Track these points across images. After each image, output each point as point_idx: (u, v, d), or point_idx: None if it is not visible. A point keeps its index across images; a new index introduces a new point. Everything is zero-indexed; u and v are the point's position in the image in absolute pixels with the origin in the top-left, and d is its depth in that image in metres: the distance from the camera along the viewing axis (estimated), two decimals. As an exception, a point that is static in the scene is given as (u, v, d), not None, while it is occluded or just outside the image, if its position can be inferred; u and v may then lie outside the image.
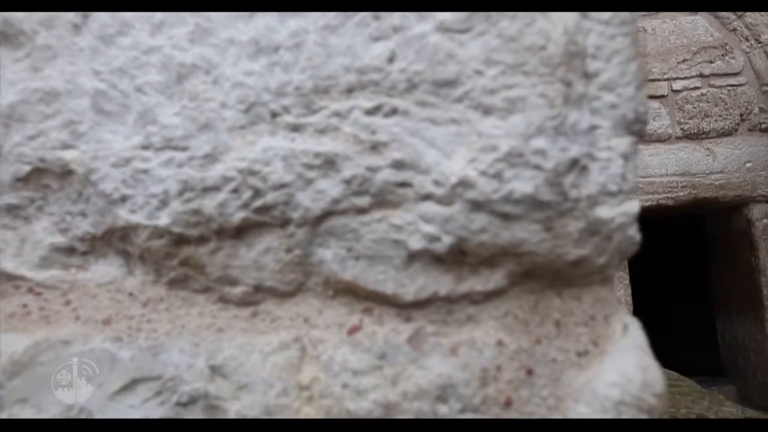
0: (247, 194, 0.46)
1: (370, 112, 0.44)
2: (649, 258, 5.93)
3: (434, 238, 0.43)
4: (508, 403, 0.45)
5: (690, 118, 3.93)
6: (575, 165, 0.41)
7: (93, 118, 0.49)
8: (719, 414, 1.75)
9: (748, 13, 3.86)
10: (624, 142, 0.45)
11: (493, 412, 0.45)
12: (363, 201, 0.44)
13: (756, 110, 3.85)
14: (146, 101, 0.49)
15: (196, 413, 0.48)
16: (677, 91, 3.96)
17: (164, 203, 0.48)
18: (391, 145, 0.43)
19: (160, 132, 0.48)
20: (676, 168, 3.93)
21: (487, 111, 0.41)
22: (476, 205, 0.41)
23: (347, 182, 0.44)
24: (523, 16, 0.42)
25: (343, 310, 0.48)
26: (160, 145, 0.48)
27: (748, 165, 3.85)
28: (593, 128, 0.43)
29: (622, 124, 0.45)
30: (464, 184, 0.41)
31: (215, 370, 0.48)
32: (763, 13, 3.83)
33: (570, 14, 0.42)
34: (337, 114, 0.44)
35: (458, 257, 0.43)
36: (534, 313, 0.45)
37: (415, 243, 0.43)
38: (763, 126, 3.84)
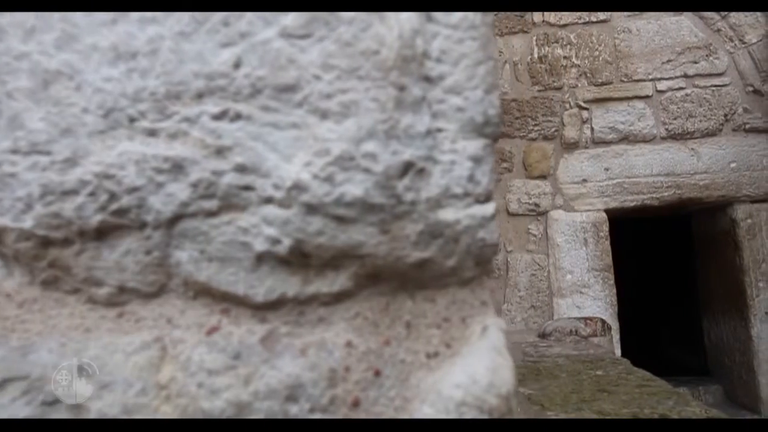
0: (103, 197, 0.47)
1: (217, 117, 0.44)
2: (639, 258, 5.94)
3: (275, 241, 0.43)
4: (355, 404, 0.45)
5: (675, 119, 3.93)
6: (410, 168, 0.42)
7: (-39, 123, 0.50)
8: (682, 414, 1.75)
9: (732, 14, 3.86)
10: (473, 145, 0.46)
11: (342, 413, 0.45)
12: (211, 204, 0.45)
13: (740, 110, 3.85)
14: (15, 106, 0.50)
15: (60, 412, 0.49)
16: (662, 92, 3.96)
17: (29, 206, 0.48)
18: (235, 149, 0.44)
19: (27, 137, 0.49)
20: (661, 168, 3.93)
21: (324, 115, 0.42)
22: (311, 208, 0.42)
23: (194, 186, 0.44)
24: (359, 22, 0.42)
25: (204, 311, 0.48)
26: (27, 149, 0.49)
27: (733, 165, 3.85)
28: (436, 131, 0.44)
29: (470, 127, 0.45)
30: (298, 187, 0.42)
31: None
32: (746, 13, 3.82)
33: (408, 19, 0.43)
34: (187, 119, 0.45)
35: (302, 259, 0.44)
36: (384, 314, 0.46)
37: (260, 245, 0.44)
38: (747, 126, 3.83)
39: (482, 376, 0.45)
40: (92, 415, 0.48)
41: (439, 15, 0.45)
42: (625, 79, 4.00)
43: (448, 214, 0.44)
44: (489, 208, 0.48)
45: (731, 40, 3.88)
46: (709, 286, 4.23)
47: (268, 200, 0.43)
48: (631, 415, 1.76)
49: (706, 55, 3.91)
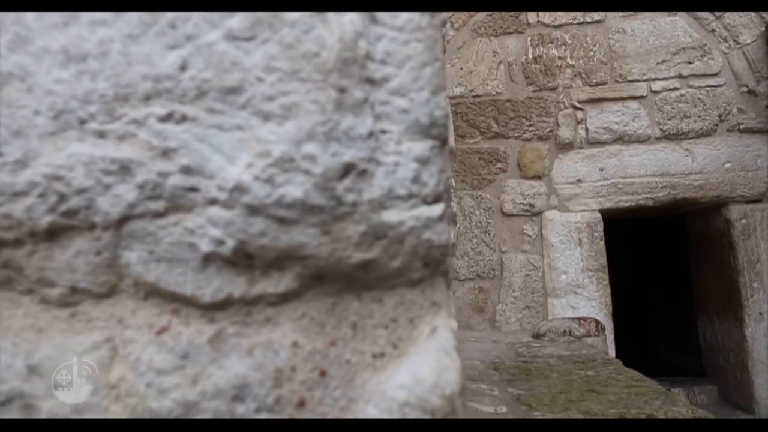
0: (52, 199, 0.47)
1: (164, 119, 0.45)
2: (635, 258, 5.94)
3: (220, 242, 0.44)
4: (301, 404, 0.46)
5: (669, 119, 3.93)
6: (351, 170, 0.42)
7: None
8: (668, 414, 1.76)
9: (726, 14, 3.86)
10: (419, 147, 0.46)
11: (287, 413, 0.46)
12: (158, 205, 0.45)
13: (734, 111, 3.85)
14: (-30, 108, 0.50)
15: (12, 412, 0.49)
16: (656, 92, 3.96)
17: (-19, 207, 0.49)
18: (180, 151, 0.44)
19: (-20, 138, 0.49)
20: (656, 169, 3.93)
21: (267, 117, 0.42)
22: (253, 210, 0.42)
23: (141, 187, 0.45)
24: (302, 24, 0.43)
25: (155, 311, 0.49)
26: (-19, 150, 0.49)
27: (727, 165, 3.85)
28: (380, 133, 0.44)
29: (415, 129, 0.46)
30: (240, 188, 0.42)
31: (32, 370, 0.49)
32: (741, 13, 3.82)
33: (351, 21, 0.43)
34: (135, 121, 0.45)
35: (247, 260, 0.44)
36: (331, 315, 0.46)
37: (205, 246, 0.44)
38: (742, 127, 3.83)
39: (427, 377, 0.46)
40: (43, 415, 0.48)
41: (384, 17, 0.45)
42: (620, 80, 4.00)
43: (391, 216, 0.44)
44: (436, 210, 0.48)
45: (726, 40, 3.88)
46: (704, 286, 4.23)
47: (213, 201, 0.44)
48: (618, 416, 1.76)
49: (701, 56, 3.91)
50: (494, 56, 4.14)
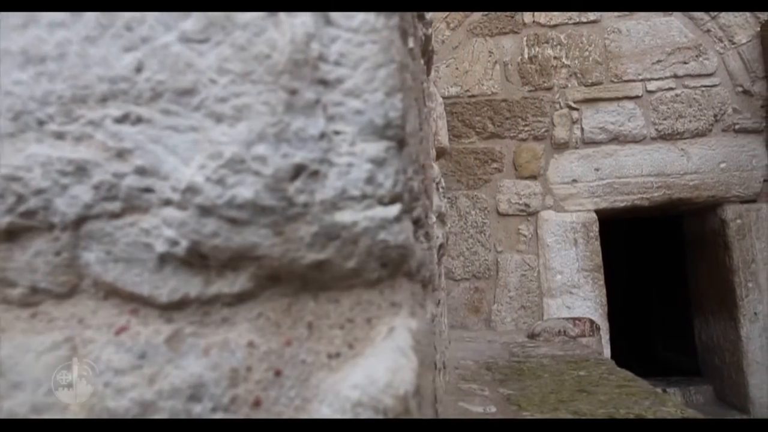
0: (11, 199, 0.47)
1: (119, 120, 0.45)
2: (632, 258, 5.93)
3: (174, 242, 0.44)
4: (257, 403, 0.46)
5: (664, 119, 3.93)
6: (302, 171, 0.42)
7: None
8: (657, 414, 1.76)
9: (721, 15, 3.86)
10: (374, 148, 0.46)
11: (243, 412, 0.46)
12: (114, 206, 0.45)
13: (730, 111, 3.85)
14: (-68, 109, 0.50)
15: (-28, 411, 0.49)
16: (652, 92, 3.96)
17: (-58, 208, 0.49)
18: (135, 152, 0.44)
19: (-57, 139, 0.50)
20: (651, 168, 3.93)
21: (219, 119, 0.43)
22: (205, 210, 0.43)
23: (97, 188, 0.45)
24: (254, 26, 0.43)
25: (114, 311, 0.49)
26: (-57, 151, 0.50)
27: (722, 165, 3.85)
28: (333, 134, 0.44)
29: (370, 130, 0.46)
30: (192, 189, 0.42)
31: (-8, 369, 0.50)
32: (736, 14, 3.82)
33: (303, 23, 0.43)
34: (92, 122, 0.46)
35: (201, 260, 0.45)
36: (287, 315, 0.47)
37: (160, 246, 0.45)
38: (737, 127, 3.83)
39: (381, 377, 0.46)
40: (2, 415, 0.49)
41: (339, 18, 0.45)
42: (615, 80, 4.00)
43: (345, 216, 0.44)
44: (393, 210, 0.48)
45: (721, 40, 3.88)
46: (700, 286, 4.23)
47: (167, 202, 0.44)
48: (607, 415, 1.77)
49: (696, 56, 3.91)
50: (490, 56, 4.14)
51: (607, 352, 3.83)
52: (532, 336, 3.60)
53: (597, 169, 3.99)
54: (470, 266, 4.02)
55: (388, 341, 0.49)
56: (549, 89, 4.07)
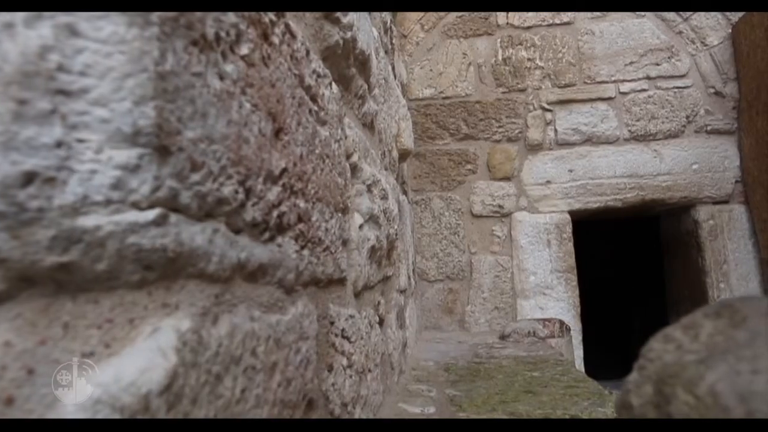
0: None
1: None
2: (612, 259, 5.93)
3: None
4: (10, 401, 0.48)
5: (637, 120, 3.93)
6: (34, 177, 0.44)
7: None
8: (591, 414, 1.77)
9: (693, 16, 3.86)
10: (123, 155, 0.48)
11: (-3, 409, 0.48)
12: None
13: (702, 112, 3.85)
14: None
15: None
16: (624, 93, 3.96)
17: None
18: None
19: None
20: (624, 170, 3.94)
21: (-45, 128, 0.44)
22: (-61, 216, 0.44)
23: None
24: (-9, 39, 0.45)
25: None
26: None
27: (695, 167, 3.85)
28: (75, 142, 0.46)
29: (118, 138, 0.48)
30: (-74, 196, 0.44)
31: None
32: (708, 15, 3.82)
33: (39, 36, 0.45)
34: None
35: (-52, 264, 0.46)
36: (44, 315, 0.48)
37: None
38: (709, 128, 3.83)
39: (128, 376, 0.48)
40: None
41: (87, 30, 0.47)
42: (589, 81, 4.00)
43: (88, 221, 0.46)
44: (149, 215, 0.50)
45: (693, 42, 3.88)
46: (675, 287, 4.23)
47: None
48: (543, 416, 1.78)
49: (668, 57, 3.91)
50: (464, 58, 4.16)
51: (579, 352, 3.83)
52: (502, 337, 3.61)
53: (571, 171, 4.00)
54: (444, 267, 4.03)
55: (149, 341, 0.51)
56: (523, 91, 4.08)
